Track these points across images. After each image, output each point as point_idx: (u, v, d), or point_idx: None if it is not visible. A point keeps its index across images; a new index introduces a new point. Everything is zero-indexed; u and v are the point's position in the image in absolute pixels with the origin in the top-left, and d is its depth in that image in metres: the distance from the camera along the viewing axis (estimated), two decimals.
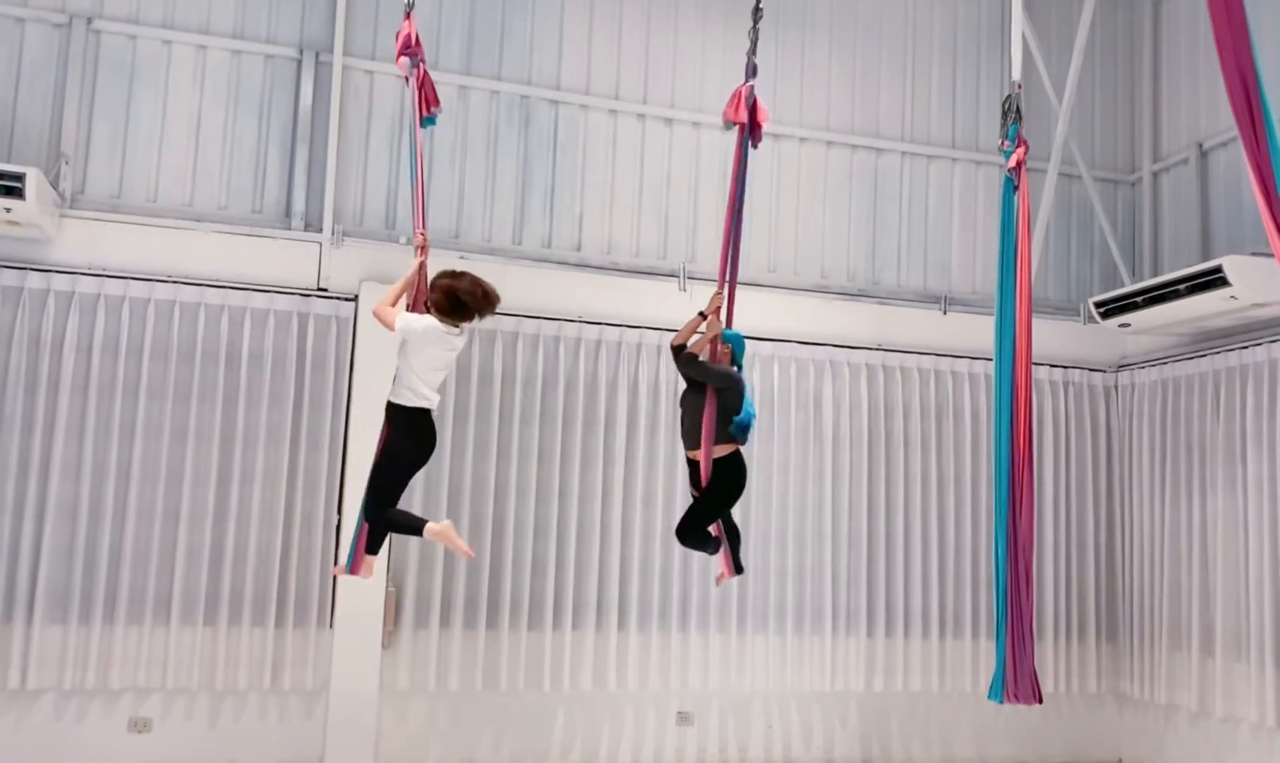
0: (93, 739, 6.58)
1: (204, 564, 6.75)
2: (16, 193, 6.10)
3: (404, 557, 7.13)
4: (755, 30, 5.85)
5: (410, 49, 5.47)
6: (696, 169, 8.10)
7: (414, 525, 5.03)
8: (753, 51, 5.84)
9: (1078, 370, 8.59)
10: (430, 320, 4.98)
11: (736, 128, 5.85)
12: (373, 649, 6.92)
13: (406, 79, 5.57)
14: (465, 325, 5.07)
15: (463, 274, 5.08)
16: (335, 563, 6.66)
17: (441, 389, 5.15)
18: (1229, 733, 7.43)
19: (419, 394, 4.95)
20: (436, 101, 5.61)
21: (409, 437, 4.99)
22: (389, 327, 4.97)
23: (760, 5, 5.87)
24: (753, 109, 5.79)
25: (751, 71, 5.82)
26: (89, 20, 6.99)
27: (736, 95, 5.82)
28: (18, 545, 6.50)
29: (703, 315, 5.63)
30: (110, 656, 6.58)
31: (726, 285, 5.70)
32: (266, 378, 6.96)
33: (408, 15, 5.49)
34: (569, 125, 7.90)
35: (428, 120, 5.58)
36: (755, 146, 5.86)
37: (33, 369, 6.61)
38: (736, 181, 5.76)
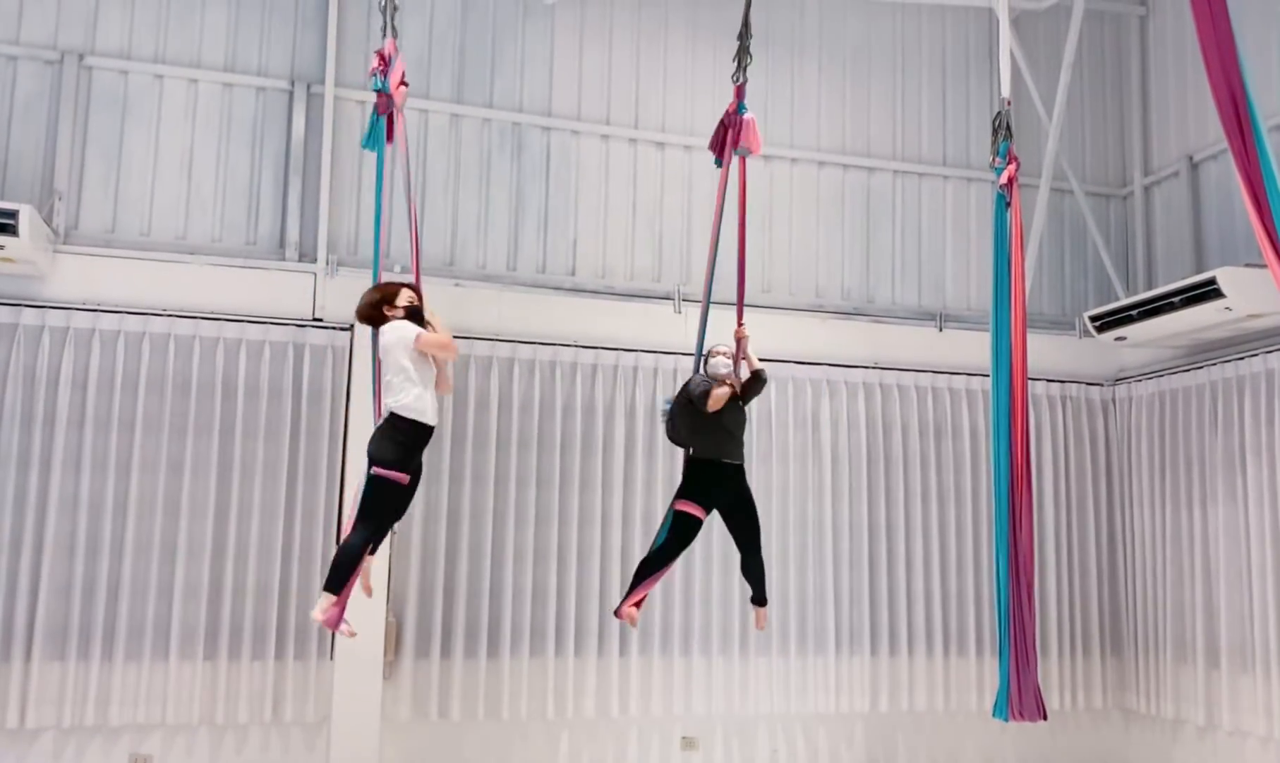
0: None
1: (203, 598, 6.72)
2: (10, 230, 6.10)
3: (404, 586, 7.10)
4: (744, 50, 5.85)
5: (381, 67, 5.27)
6: (689, 192, 8.11)
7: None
8: (737, 75, 5.84)
9: (1075, 384, 8.59)
10: None
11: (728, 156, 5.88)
12: (374, 680, 6.87)
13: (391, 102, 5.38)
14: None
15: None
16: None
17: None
18: (1237, 746, 7.39)
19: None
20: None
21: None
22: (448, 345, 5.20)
23: (748, 27, 5.88)
24: (738, 129, 5.80)
25: (737, 94, 5.82)
26: (81, 57, 7.02)
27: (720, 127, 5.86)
28: (15, 583, 6.46)
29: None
30: (109, 692, 6.54)
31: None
32: (262, 410, 6.94)
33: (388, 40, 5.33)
34: (561, 151, 7.92)
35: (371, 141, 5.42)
36: (752, 152, 5.87)
37: (28, 405, 6.59)
38: (732, 204, 5.81)
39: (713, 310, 5.89)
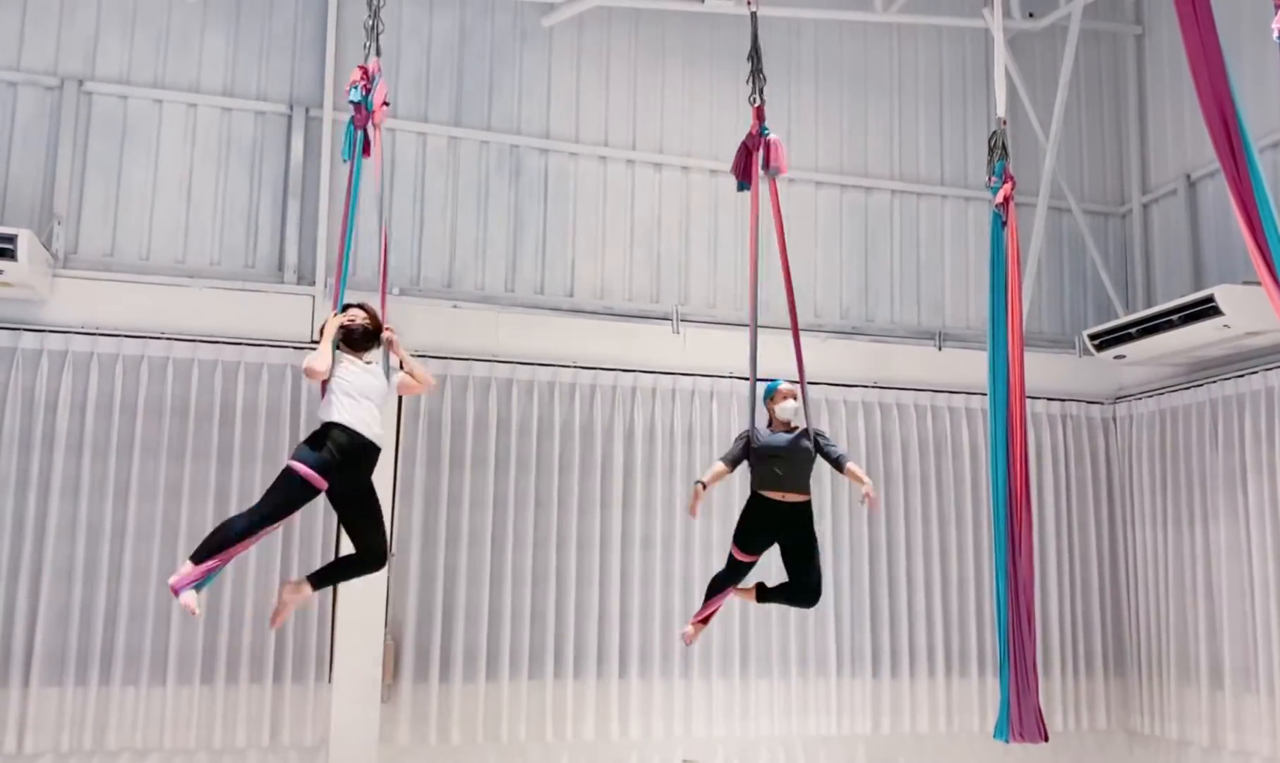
0: None
1: (200, 622, 6.68)
2: (9, 254, 6.11)
3: (402, 609, 7.08)
4: (758, 75, 5.85)
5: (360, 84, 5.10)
6: (687, 212, 8.13)
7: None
8: (754, 96, 5.86)
9: (1075, 403, 8.57)
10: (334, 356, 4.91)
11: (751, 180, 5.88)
12: (372, 703, 6.85)
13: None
14: (364, 355, 4.97)
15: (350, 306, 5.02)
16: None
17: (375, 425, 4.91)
18: None
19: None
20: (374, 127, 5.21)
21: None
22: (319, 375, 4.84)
23: (759, 49, 5.90)
24: (767, 150, 5.81)
25: (757, 116, 5.84)
26: (80, 82, 7.05)
27: (742, 149, 5.84)
28: (13, 608, 6.46)
29: None
30: (107, 717, 6.52)
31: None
32: (261, 433, 6.95)
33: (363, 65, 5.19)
34: (559, 173, 7.94)
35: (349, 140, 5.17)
36: (781, 173, 5.89)
37: (27, 429, 6.60)
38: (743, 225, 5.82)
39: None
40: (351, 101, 5.07)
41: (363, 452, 4.85)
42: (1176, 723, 7.81)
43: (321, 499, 6.94)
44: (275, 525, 5.00)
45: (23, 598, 6.47)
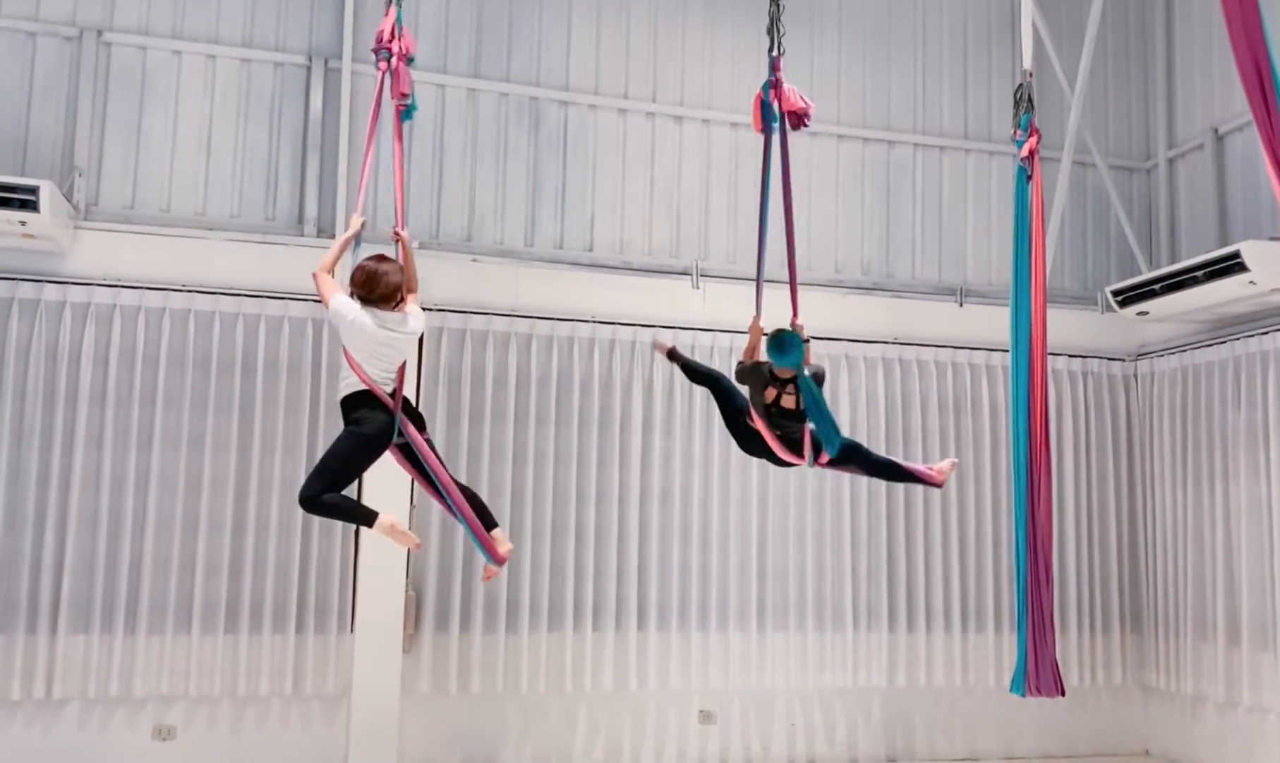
0: (117, 748, 6.62)
1: (224, 573, 6.79)
2: (31, 206, 6.14)
3: (424, 560, 7.14)
4: (776, 26, 5.77)
5: (382, 44, 5.13)
6: (707, 166, 8.08)
7: (359, 514, 4.77)
8: (774, 47, 5.76)
9: (1096, 360, 8.52)
10: (356, 309, 4.71)
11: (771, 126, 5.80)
12: (394, 654, 6.93)
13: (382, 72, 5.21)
14: (391, 311, 4.78)
15: (377, 259, 4.86)
16: None
17: (394, 372, 4.76)
18: (1256, 723, 7.36)
19: (350, 383, 4.69)
20: (405, 92, 5.22)
21: (349, 422, 4.69)
22: (324, 300, 4.76)
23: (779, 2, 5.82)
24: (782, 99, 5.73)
25: (771, 67, 5.76)
26: (99, 32, 7.03)
27: (757, 101, 5.77)
28: (40, 558, 6.55)
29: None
30: (133, 665, 6.63)
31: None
32: (282, 384, 6.98)
33: (388, 10, 5.20)
34: (579, 125, 7.89)
35: (406, 113, 5.26)
36: (797, 128, 5.78)
37: (50, 381, 6.66)
38: (784, 181, 5.73)
39: (751, 288, 5.81)
40: (409, 63, 5.11)
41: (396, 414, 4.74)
42: (1192, 679, 7.83)
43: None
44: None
45: (49, 548, 6.56)
